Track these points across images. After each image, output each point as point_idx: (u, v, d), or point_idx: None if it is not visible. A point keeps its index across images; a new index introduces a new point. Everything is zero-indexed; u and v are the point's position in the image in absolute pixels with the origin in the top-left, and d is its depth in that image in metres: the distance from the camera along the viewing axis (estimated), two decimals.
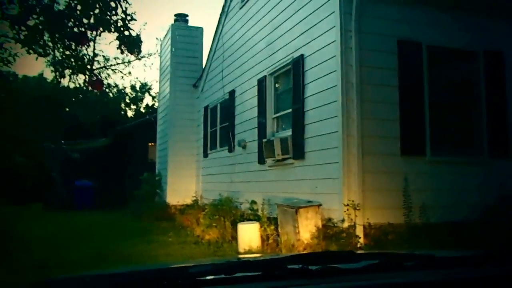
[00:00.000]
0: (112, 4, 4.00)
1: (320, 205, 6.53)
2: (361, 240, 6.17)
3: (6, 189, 16.95)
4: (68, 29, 4.01)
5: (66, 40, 4.20)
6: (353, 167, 6.32)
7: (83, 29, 4.01)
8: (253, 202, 8.61)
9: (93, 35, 4.26)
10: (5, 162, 17.46)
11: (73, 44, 4.15)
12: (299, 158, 7.59)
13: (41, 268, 5.85)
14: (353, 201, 6.18)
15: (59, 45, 4.39)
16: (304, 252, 1.58)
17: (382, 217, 6.35)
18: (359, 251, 1.45)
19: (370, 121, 6.48)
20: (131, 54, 4.32)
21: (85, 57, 4.80)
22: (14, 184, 17.25)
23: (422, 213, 6.33)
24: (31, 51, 4.06)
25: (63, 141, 20.25)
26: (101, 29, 4.04)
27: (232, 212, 8.83)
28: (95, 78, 4.59)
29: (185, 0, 50.82)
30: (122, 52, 4.11)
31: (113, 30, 4.02)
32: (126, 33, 4.02)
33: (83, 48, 4.87)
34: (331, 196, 6.56)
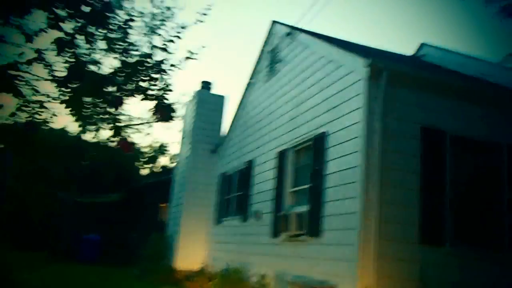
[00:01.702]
0: (156, 75, 4.21)
1: (334, 286, 6.39)
2: None
3: (13, 233, 16.94)
4: (109, 95, 4.20)
5: (103, 103, 4.38)
6: (370, 251, 6.22)
7: (121, 95, 4.19)
8: (263, 276, 8.45)
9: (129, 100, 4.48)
10: (18, 206, 17.56)
11: (109, 107, 4.32)
12: (314, 236, 7.51)
13: None
14: (368, 286, 6.04)
15: (97, 108, 4.58)
16: None
17: None
18: None
19: (389, 206, 6.45)
20: (165, 121, 4.47)
21: (119, 120, 4.98)
22: (22, 229, 17.24)
23: None
24: (73, 112, 4.23)
25: (76, 192, 20.37)
26: (141, 96, 4.23)
27: (241, 284, 8.65)
28: (124, 140, 4.72)
29: (208, 68, 52.50)
30: (157, 120, 4.27)
31: (154, 98, 4.20)
32: (164, 101, 4.20)
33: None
34: (346, 279, 6.42)
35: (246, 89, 12.54)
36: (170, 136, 57.36)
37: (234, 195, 12.03)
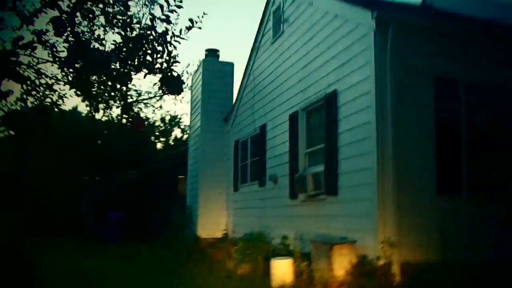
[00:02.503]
0: (159, 48, 4.16)
1: (355, 242, 6.46)
2: (397, 278, 6.05)
3: (35, 219, 17.30)
4: (114, 71, 4.17)
5: (110, 81, 4.36)
6: (388, 204, 6.24)
7: (127, 70, 4.16)
8: (285, 237, 8.55)
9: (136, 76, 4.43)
10: (45, 199, 17.89)
11: (118, 84, 4.30)
12: (332, 194, 7.54)
13: None
14: (388, 238, 6.09)
15: (103, 87, 4.55)
16: None
17: (418, 255, 6.23)
18: None
19: (405, 159, 6.41)
20: (172, 94, 4.44)
21: (129, 97, 4.97)
22: (48, 217, 17.59)
23: (459, 253, 6.17)
24: (79, 92, 4.23)
25: (96, 173, 20.63)
26: (146, 70, 4.19)
27: (264, 247, 8.78)
28: (137, 116, 4.71)
29: (215, 35, 51.94)
30: (163, 93, 4.25)
31: (157, 72, 4.16)
32: (169, 74, 4.16)
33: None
34: (365, 233, 6.48)
35: (253, 53, 12.39)
36: (182, 108, 57.45)
37: (249, 161, 12.08)
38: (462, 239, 6.28)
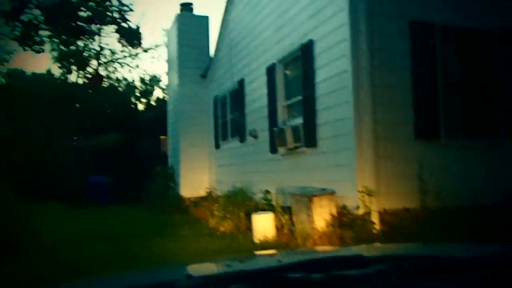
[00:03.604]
0: None
1: (334, 192, 6.42)
2: (377, 226, 6.06)
3: (22, 187, 17.00)
4: (66, 24, 3.91)
5: (64, 36, 4.10)
6: (366, 153, 6.18)
7: (79, 23, 3.90)
8: (267, 192, 8.51)
9: (92, 28, 4.18)
10: (25, 165, 17.53)
11: (73, 39, 4.05)
12: (311, 146, 7.46)
13: (51, 269, 5.80)
14: (367, 187, 6.06)
15: (57, 40, 4.28)
16: (307, 259, 1.37)
17: (398, 202, 6.23)
18: (371, 252, 1.28)
19: (382, 106, 6.32)
20: (132, 47, 4.21)
21: (89, 52, 4.70)
22: (29, 182, 17.30)
23: (438, 198, 6.17)
24: (26, 47, 3.98)
25: (75, 137, 20.29)
26: (97, 21, 3.93)
27: (246, 203, 8.76)
28: (95, 74, 4.48)
29: None
30: (123, 45, 4.03)
31: (110, 21, 3.90)
32: (124, 25, 3.91)
33: (89, 43, 4.74)
34: (345, 184, 6.44)
35: (228, 5, 11.99)
36: (161, 67, 56.52)
37: (229, 117, 11.91)
38: (441, 184, 6.26)
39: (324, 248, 2.87)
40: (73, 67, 16.90)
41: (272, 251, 2.87)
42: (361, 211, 6.06)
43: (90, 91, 20.17)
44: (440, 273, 1.19)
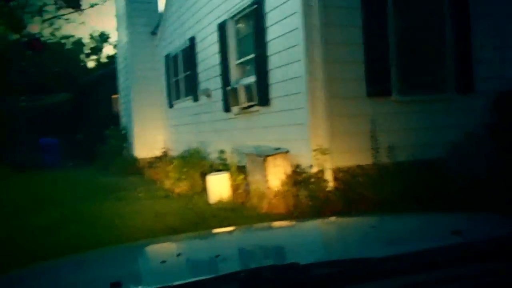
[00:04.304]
0: None
1: (288, 151, 6.44)
2: (331, 184, 6.14)
3: None
4: None
5: None
6: (319, 111, 6.18)
7: None
8: (222, 151, 8.48)
9: None
10: None
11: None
12: (264, 105, 7.40)
13: None
14: (321, 146, 6.10)
15: None
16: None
17: (351, 160, 6.32)
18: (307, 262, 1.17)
19: (334, 64, 6.28)
20: (71, 8, 3.94)
21: (29, 11, 4.35)
22: None
23: (390, 154, 6.31)
24: None
25: (23, 98, 19.42)
26: None
27: (201, 163, 8.70)
28: (33, 38, 4.17)
29: None
30: (59, 8, 3.74)
31: None
32: None
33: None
34: (299, 142, 6.46)
35: None
36: (110, 23, 54.36)
37: (182, 76, 11.63)
38: (392, 140, 6.37)
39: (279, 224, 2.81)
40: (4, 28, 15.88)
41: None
42: (315, 170, 6.12)
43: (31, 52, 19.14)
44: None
